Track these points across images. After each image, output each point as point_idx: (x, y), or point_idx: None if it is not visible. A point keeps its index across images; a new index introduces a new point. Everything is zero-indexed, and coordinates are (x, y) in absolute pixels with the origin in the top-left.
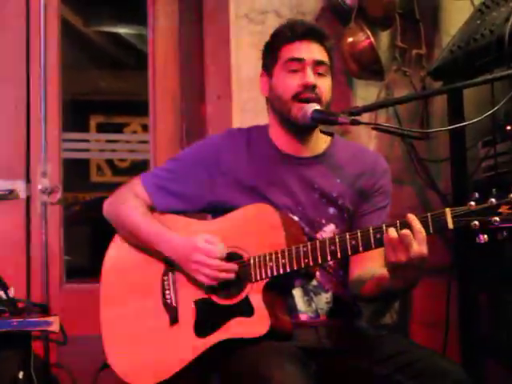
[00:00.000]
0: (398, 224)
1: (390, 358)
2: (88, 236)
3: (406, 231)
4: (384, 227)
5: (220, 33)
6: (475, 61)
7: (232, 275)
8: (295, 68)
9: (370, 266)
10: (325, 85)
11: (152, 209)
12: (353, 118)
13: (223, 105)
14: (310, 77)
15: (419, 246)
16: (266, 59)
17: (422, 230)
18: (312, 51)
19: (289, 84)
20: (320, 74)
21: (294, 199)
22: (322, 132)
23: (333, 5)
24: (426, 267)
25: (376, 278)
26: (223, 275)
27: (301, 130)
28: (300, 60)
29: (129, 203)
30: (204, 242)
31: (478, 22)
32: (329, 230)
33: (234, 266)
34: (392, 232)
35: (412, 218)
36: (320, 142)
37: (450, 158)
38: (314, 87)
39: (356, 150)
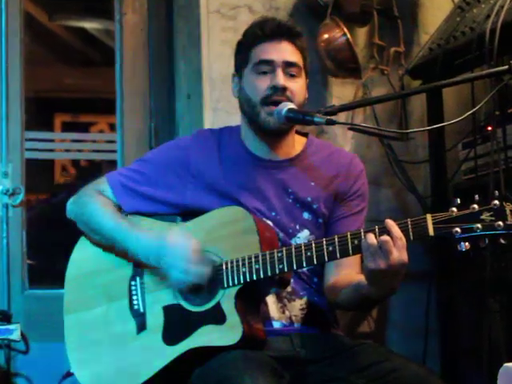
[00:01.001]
0: (377, 230)
1: (368, 368)
2: (52, 239)
3: (385, 237)
4: (362, 233)
5: (191, 28)
6: (455, 59)
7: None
8: (265, 70)
9: (346, 272)
10: (296, 87)
11: (119, 209)
12: (329, 117)
13: (194, 103)
14: (280, 79)
15: (399, 253)
16: (237, 59)
17: (402, 236)
18: (282, 51)
19: (258, 87)
20: (292, 76)
21: (266, 204)
22: (297, 132)
23: (308, 0)
24: (405, 273)
25: (353, 284)
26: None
27: (271, 135)
28: (269, 62)
29: (94, 199)
30: (177, 236)
31: (458, 19)
32: (303, 237)
33: (209, 269)
34: (371, 238)
35: (391, 224)
36: (295, 143)
37: (429, 159)
38: (284, 89)
39: (330, 150)
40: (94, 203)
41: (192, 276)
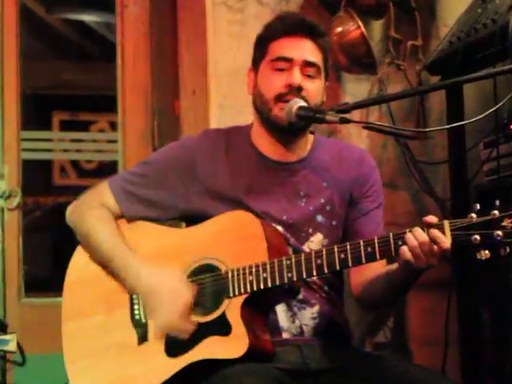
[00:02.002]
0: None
1: (383, 379)
2: (50, 244)
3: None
4: (376, 240)
5: (195, 21)
6: (476, 53)
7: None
8: (282, 67)
9: (371, 268)
10: (313, 88)
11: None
12: (342, 115)
13: (199, 100)
14: (297, 78)
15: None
16: (254, 53)
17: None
18: (303, 50)
19: (273, 83)
20: (309, 76)
21: (277, 207)
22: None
23: None
24: (424, 282)
25: (382, 276)
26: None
27: (283, 133)
28: (288, 59)
29: (93, 212)
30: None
31: (480, 10)
32: (316, 241)
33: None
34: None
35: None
36: (307, 144)
37: (449, 160)
38: (299, 89)
39: (339, 148)
40: (93, 221)
41: (174, 331)
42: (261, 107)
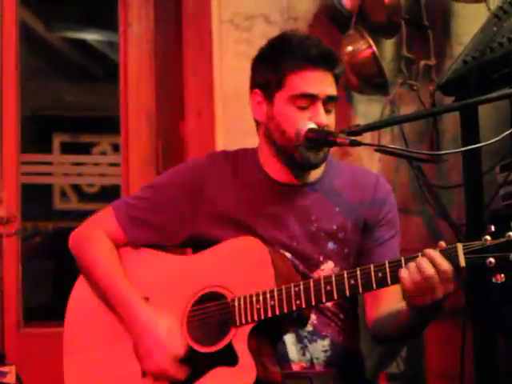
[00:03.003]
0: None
1: None
2: (50, 272)
3: (430, 272)
4: (387, 265)
5: (201, 40)
6: (492, 73)
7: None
8: (305, 105)
9: (386, 302)
10: (332, 121)
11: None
12: (353, 138)
13: (205, 122)
14: (323, 118)
15: (444, 287)
16: (263, 77)
17: (449, 268)
18: (325, 84)
19: (297, 121)
20: (328, 111)
21: (287, 233)
22: None
23: (329, 9)
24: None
25: (394, 312)
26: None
27: (303, 169)
28: (313, 96)
29: (94, 244)
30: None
31: (495, 28)
32: (327, 269)
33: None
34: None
35: (435, 255)
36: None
37: (464, 183)
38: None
39: (353, 171)
40: (94, 253)
41: (165, 378)
42: (282, 143)
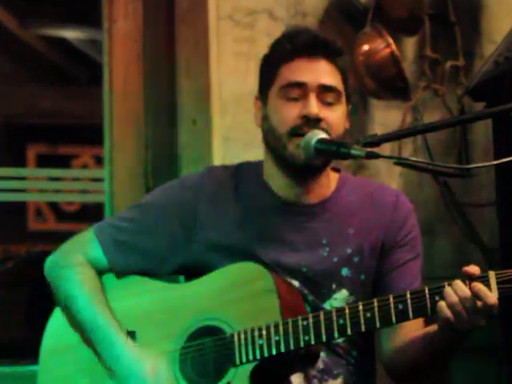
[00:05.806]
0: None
1: None
2: (23, 301)
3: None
4: (408, 296)
5: (196, 39)
6: None
7: None
8: (295, 95)
9: (406, 331)
10: (334, 116)
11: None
12: (370, 149)
13: (200, 132)
14: (313, 107)
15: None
16: (261, 79)
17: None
18: (317, 72)
19: (285, 115)
20: (328, 104)
21: (294, 258)
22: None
23: (342, 3)
24: (470, 345)
25: (418, 340)
26: None
27: (301, 173)
28: (301, 85)
29: (73, 271)
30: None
31: None
32: (340, 298)
33: None
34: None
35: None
36: (330, 183)
37: (496, 201)
38: (317, 120)
39: (370, 188)
40: (72, 283)
41: None
42: (273, 144)
